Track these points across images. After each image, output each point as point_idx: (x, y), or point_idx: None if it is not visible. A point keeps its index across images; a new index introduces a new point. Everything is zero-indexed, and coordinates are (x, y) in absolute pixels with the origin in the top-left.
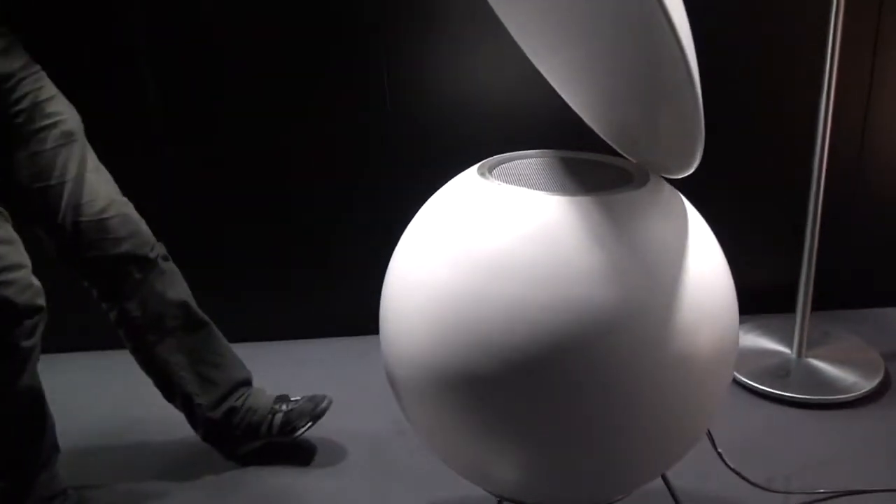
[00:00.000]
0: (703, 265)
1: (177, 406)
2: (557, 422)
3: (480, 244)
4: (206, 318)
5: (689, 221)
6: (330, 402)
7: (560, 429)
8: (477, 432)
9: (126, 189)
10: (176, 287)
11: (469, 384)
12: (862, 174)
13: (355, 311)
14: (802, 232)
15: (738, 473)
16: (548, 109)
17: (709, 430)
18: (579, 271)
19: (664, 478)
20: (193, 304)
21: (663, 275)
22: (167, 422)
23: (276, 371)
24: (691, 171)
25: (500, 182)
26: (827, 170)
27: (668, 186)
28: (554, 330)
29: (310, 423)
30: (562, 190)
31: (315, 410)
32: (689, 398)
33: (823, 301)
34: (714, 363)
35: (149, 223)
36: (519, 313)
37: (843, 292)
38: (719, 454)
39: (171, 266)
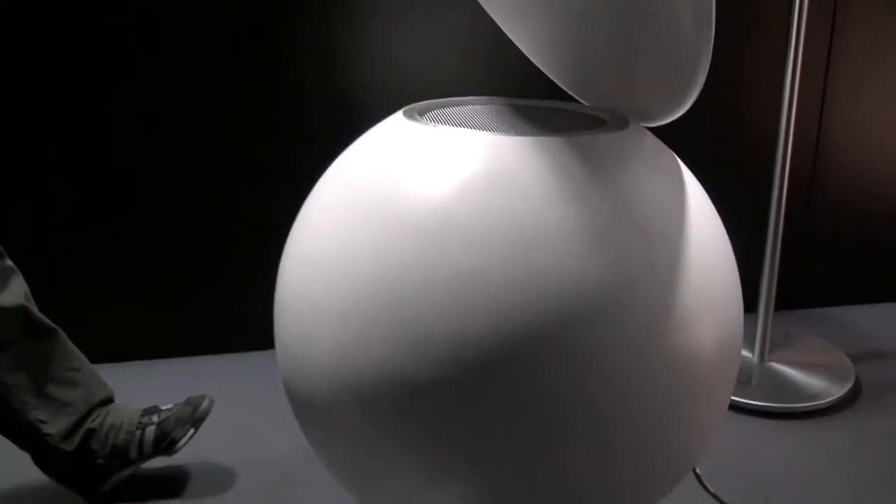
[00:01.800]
0: (704, 230)
1: (20, 443)
2: (521, 444)
3: (414, 200)
4: (53, 324)
5: (682, 174)
6: (211, 403)
7: (524, 453)
8: (408, 463)
9: None
10: (11, 289)
11: (397, 397)
12: (822, 171)
13: (258, 320)
14: (764, 230)
15: (718, 499)
16: (489, 56)
17: None
18: (549, 234)
19: None
20: (34, 308)
21: (661, 240)
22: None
23: (165, 392)
24: (679, 113)
25: (436, 124)
26: (788, 170)
27: (650, 133)
28: (516, 316)
29: (191, 431)
30: (520, 133)
31: (195, 414)
32: (691, 407)
33: (782, 301)
34: (720, 362)
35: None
36: (468, 294)
37: (802, 291)
38: (697, 476)
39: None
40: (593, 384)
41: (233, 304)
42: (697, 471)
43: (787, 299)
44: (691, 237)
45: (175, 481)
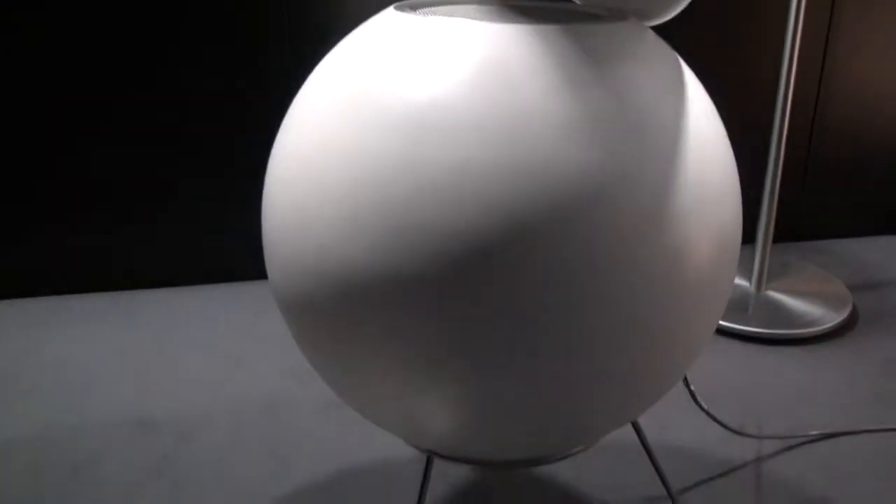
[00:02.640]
0: (703, 126)
1: None
2: (511, 339)
3: (406, 91)
4: None
5: (683, 71)
6: None
7: (514, 349)
8: (399, 362)
9: None
10: None
11: (386, 292)
12: (824, 103)
13: (245, 250)
14: (764, 160)
15: (711, 416)
16: None
17: None
18: (545, 124)
19: (635, 424)
20: None
21: (658, 131)
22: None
23: (150, 324)
24: (677, 11)
25: (427, 16)
26: (791, 98)
27: (650, 29)
28: (508, 208)
29: None
30: (514, 22)
31: None
32: (688, 305)
33: (782, 233)
34: (718, 261)
35: None
36: (459, 186)
37: (802, 224)
38: (691, 392)
39: None
40: (585, 279)
41: (220, 232)
42: (692, 387)
43: (787, 231)
44: (690, 133)
45: (163, 408)
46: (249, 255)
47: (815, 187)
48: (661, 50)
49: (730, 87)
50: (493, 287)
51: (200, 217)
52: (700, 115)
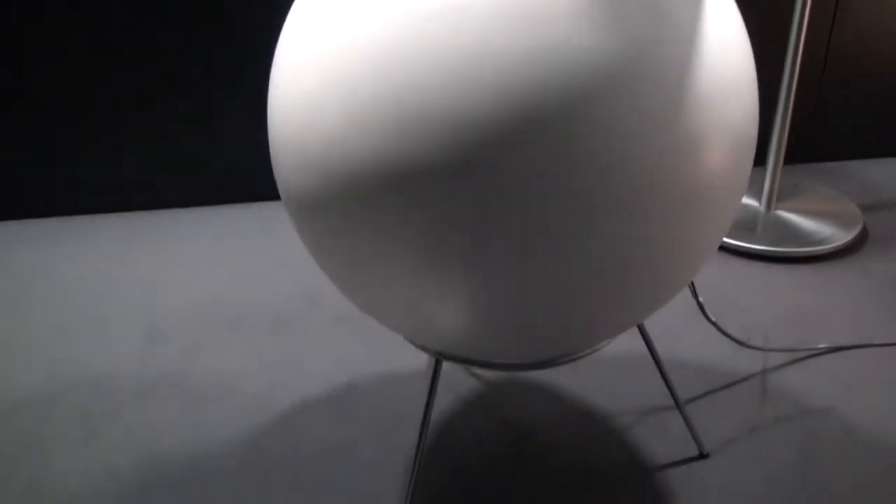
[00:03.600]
0: (722, 19)
1: None
2: (519, 235)
3: None
4: None
5: None
6: None
7: (524, 242)
8: (409, 259)
9: None
10: None
11: (395, 183)
12: (839, 24)
13: (250, 171)
14: (778, 81)
15: (718, 327)
16: None
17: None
18: (560, 6)
19: (641, 327)
20: None
21: (678, 17)
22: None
23: (159, 243)
24: None
25: None
26: (807, 20)
27: None
28: (521, 94)
29: None
30: None
31: None
32: (705, 198)
33: (794, 154)
34: (735, 154)
35: None
36: (471, 72)
37: (814, 145)
38: (700, 304)
39: None
40: (600, 170)
41: (225, 160)
42: (700, 299)
43: (800, 152)
44: (708, 24)
45: (173, 323)
46: (258, 175)
47: (828, 108)
48: None
49: (744, 5)
50: (504, 179)
51: (207, 138)
52: (719, 9)
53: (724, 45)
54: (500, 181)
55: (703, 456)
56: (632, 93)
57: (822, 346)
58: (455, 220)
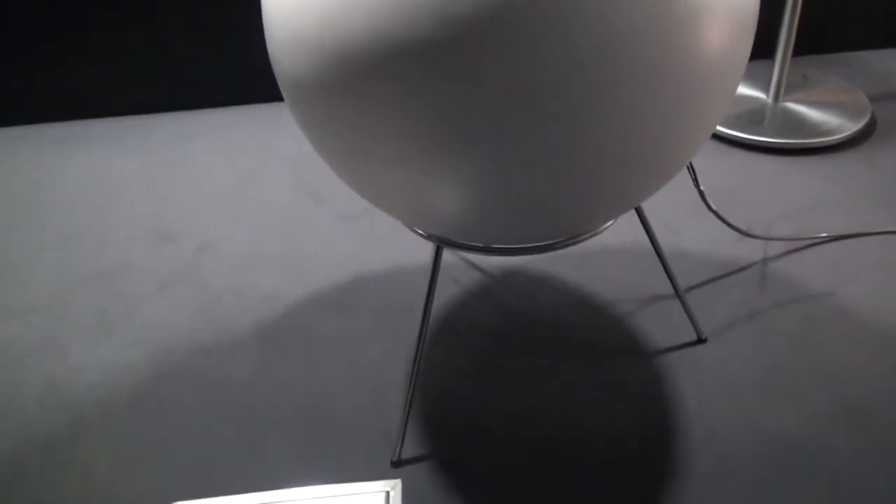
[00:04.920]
0: None
1: None
2: (514, 112)
3: None
4: None
5: None
6: None
7: (518, 122)
8: (405, 142)
9: None
10: None
11: (390, 62)
12: None
13: (253, 72)
14: None
15: (718, 216)
16: None
17: (690, 164)
18: None
19: (639, 211)
20: None
21: None
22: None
23: (165, 146)
24: None
25: None
26: None
27: None
28: None
29: None
30: None
31: None
32: (700, 81)
33: (800, 46)
34: (735, 32)
35: None
36: None
37: (821, 36)
38: (701, 192)
39: None
40: (596, 41)
41: (225, 64)
42: (702, 188)
43: (810, 43)
44: None
45: (181, 222)
46: (260, 77)
47: None
48: None
49: None
50: (498, 54)
51: (209, 40)
52: None
53: None
54: (497, 57)
55: (701, 340)
56: None
57: (822, 234)
58: (451, 99)
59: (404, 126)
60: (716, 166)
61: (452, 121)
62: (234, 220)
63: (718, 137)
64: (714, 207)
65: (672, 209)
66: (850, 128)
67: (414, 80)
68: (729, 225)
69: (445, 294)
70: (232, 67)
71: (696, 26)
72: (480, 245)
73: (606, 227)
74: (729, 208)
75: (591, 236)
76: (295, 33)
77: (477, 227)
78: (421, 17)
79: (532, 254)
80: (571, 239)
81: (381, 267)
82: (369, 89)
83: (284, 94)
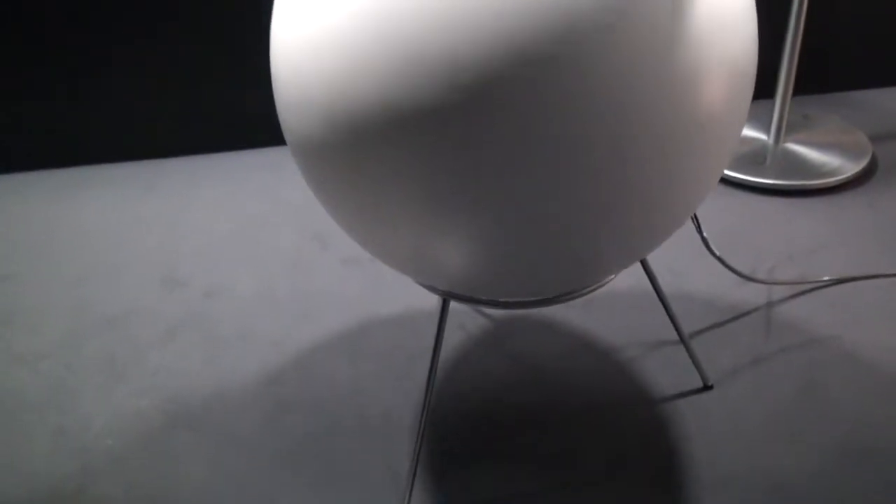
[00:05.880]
0: None
1: None
2: (517, 172)
3: None
4: None
5: None
6: None
7: (521, 182)
8: (408, 198)
9: None
10: None
11: (397, 125)
12: None
13: (257, 117)
14: (786, 11)
15: (722, 262)
16: None
17: (694, 214)
18: None
19: (644, 263)
20: None
21: None
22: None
23: (174, 191)
24: None
25: None
26: None
27: None
28: (520, 34)
29: None
30: None
31: None
32: (701, 134)
33: (802, 85)
34: (732, 91)
35: None
36: (470, 13)
37: (822, 75)
38: (704, 239)
39: None
40: (597, 107)
41: (237, 109)
42: (704, 234)
43: (812, 82)
44: None
45: (190, 267)
46: (267, 121)
47: (840, 36)
48: None
49: None
50: (500, 119)
51: (217, 86)
52: None
53: None
54: (499, 121)
55: (707, 387)
56: (625, 30)
57: (825, 278)
58: (455, 162)
59: (409, 189)
60: (719, 208)
61: (457, 184)
62: (242, 263)
63: (722, 179)
64: (717, 253)
65: (676, 252)
66: (850, 169)
67: (419, 145)
68: (732, 270)
69: (452, 340)
70: (239, 112)
71: (695, 88)
72: (486, 299)
73: (611, 279)
74: (732, 251)
75: (596, 288)
76: (303, 97)
77: (482, 282)
78: (426, 86)
79: (537, 307)
80: (577, 292)
81: (387, 312)
82: (375, 153)
83: (292, 152)
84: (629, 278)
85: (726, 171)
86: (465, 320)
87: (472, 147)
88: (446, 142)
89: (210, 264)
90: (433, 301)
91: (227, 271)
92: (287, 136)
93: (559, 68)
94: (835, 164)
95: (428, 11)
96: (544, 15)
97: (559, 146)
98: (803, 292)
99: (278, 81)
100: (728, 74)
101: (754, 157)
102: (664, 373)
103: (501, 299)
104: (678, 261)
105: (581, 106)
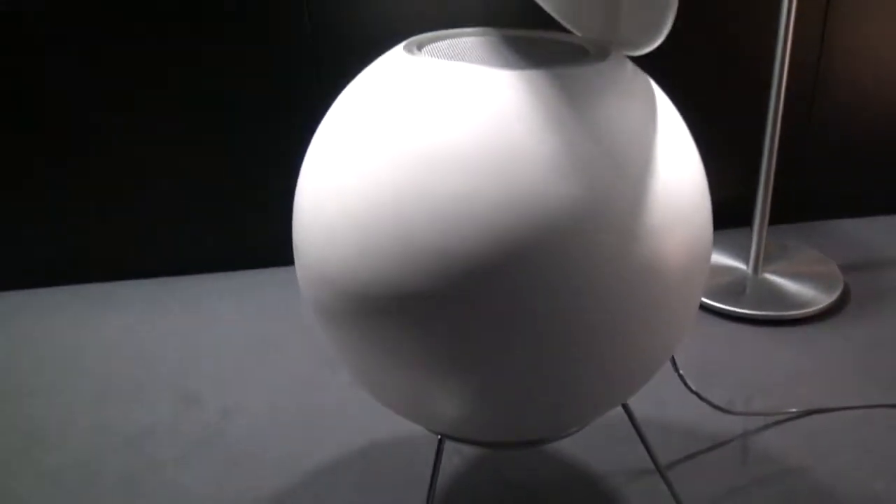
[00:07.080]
0: (675, 155)
1: None
2: (506, 343)
3: (412, 130)
4: None
5: (657, 103)
6: None
7: (510, 350)
8: (410, 364)
9: None
10: None
11: (398, 304)
12: (821, 83)
13: (273, 237)
14: (760, 143)
15: (699, 396)
16: None
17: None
18: (535, 160)
19: (625, 406)
20: None
21: (632, 164)
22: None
23: (191, 309)
24: (657, 43)
25: (433, 58)
26: (787, 80)
27: (630, 63)
28: (501, 233)
29: None
30: (508, 65)
31: None
32: (661, 310)
33: (779, 214)
34: (688, 270)
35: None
36: (459, 213)
37: (799, 204)
38: (681, 376)
39: None
40: (571, 291)
41: (249, 229)
42: (681, 371)
43: (791, 212)
44: (660, 160)
45: (207, 386)
46: (280, 242)
47: (814, 168)
48: (637, 83)
49: (726, 67)
50: (491, 300)
51: (232, 207)
52: (671, 143)
53: (677, 181)
54: (487, 303)
55: None
56: (593, 229)
57: (795, 410)
58: (450, 333)
59: (410, 352)
60: (699, 337)
61: (451, 350)
62: (255, 383)
63: (702, 307)
64: (694, 388)
65: (655, 384)
66: (823, 300)
67: (417, 319)
68: (709, 403)
69: (449, 466)
70: (254, 232)
71: (652, 273)
72: (479, 440)
73: (593, 421)
74: (710, 380)
75: (578, 431)
76: (321, 271)
77: (475, 427)
78: (422, 272)
79: (527, 448)
80: (563, 434)
81: (390, 436)
82: (379, 322)
83: (315, 316)
84: (618, 408)
85: (707, 300)
86: (461, 446)
87: (463, 323)
88: (440, 319)
89: (225, 382)
90: (430, 432)
91: (241, 390)
92: (303, 295)
93: (533, 262)
94: (808, 295)
95: (426, 210)
96: (527, 216)
97: (537, 324)
98: (779, 422)
99: (300, 256)
100: (684, 262)
101: (734, 287)
102: (646, 502)
103: (494, 440)
104: (659, 390)
105: (554, 292)
